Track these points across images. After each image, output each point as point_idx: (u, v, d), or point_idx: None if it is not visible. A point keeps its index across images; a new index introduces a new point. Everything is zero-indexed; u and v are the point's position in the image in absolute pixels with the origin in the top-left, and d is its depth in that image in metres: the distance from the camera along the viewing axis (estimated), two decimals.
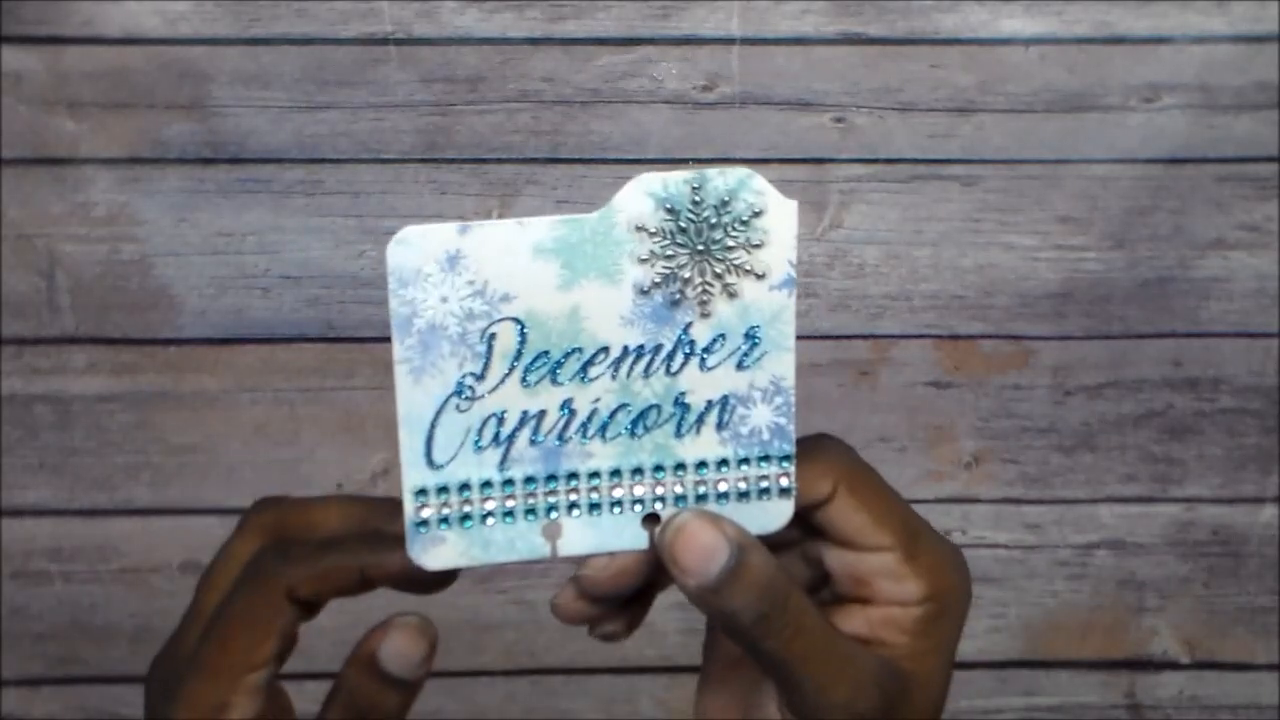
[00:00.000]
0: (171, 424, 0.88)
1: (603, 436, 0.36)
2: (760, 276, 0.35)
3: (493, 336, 0.34)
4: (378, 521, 0.38)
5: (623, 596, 0.37)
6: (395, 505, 0.36)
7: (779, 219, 0.35)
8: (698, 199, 0.34)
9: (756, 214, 0.35)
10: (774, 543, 0.37)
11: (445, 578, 0.37)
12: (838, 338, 0.85)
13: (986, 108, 0.86)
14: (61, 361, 0.87)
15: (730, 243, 0.35)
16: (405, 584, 0.37)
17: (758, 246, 0.35)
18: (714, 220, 0.35)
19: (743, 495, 0.36)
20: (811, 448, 0.37)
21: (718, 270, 0.35)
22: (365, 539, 0.37)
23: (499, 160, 0.86)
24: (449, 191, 0.86)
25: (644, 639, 0.92)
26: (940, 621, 0.38)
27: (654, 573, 0.37)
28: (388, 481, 0.88)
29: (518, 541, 0.35)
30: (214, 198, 0.86)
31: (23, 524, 0.89)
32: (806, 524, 0.38)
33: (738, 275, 0.35)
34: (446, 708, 0.90)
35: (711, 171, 0.34)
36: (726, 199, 0.34)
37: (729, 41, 0.85)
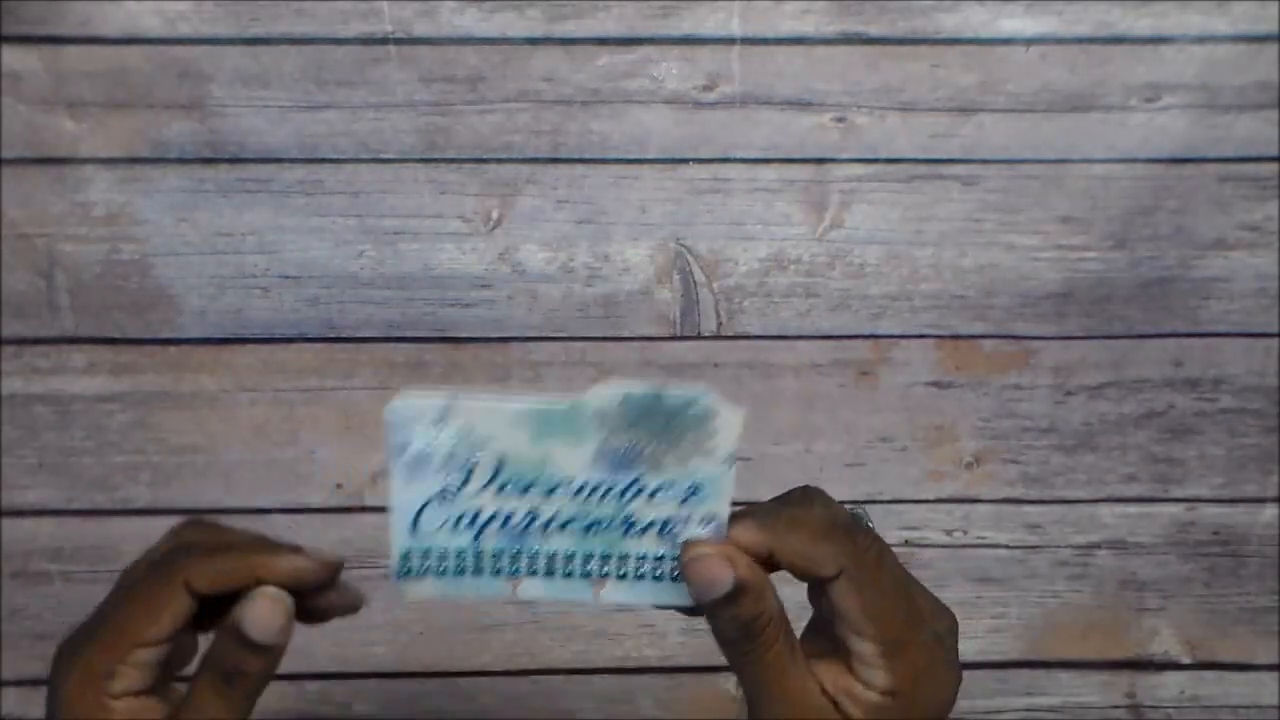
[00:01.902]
0: (171, 424, 0.88)
1: (561, 530, 0.45)
2: (707, 455, 0.43)
3: (473, 466, 0.44)
4: (278, 546, 0.44)
5: None
6: (296, 547, 0.44)
7: (728, 421, 0.43)
8: (657, 406, 0.42)
9: (709, 417, 0.43)
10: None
11: (325, 608, 0.45)
12: (838, 338, 0.85)
13: (987, 108, 0.86)
14: (61, 361, 0.87)
15: (683, 431, 0.43)
16: (292, 585, 0.43)
17: (708, 437, 0.43)
18: (669, 418, 0.43)
19: (677, 579, 0.45)
20: (837, 528, 0.43)
21: (669, 446, 0.43)
22: (259, 545, 0.44)
23: (499, 160, 0.86)
24: (449, 191, 0.86)
25: (644, 639, 0.92)
26: (896, 715, 0.42)
27: None
28: (386, 482, 0.88)
29: (484, 587, 0.46)
30: (214, 198, 0.86)
31: (23, 524, 0.89)
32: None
33: (687, 451, 0.43)
34: (446, 708, 0.90)
35: (671, 389, 0.42)
36: (683, 406, 0.42)
37: (729, 41, 0.85)
